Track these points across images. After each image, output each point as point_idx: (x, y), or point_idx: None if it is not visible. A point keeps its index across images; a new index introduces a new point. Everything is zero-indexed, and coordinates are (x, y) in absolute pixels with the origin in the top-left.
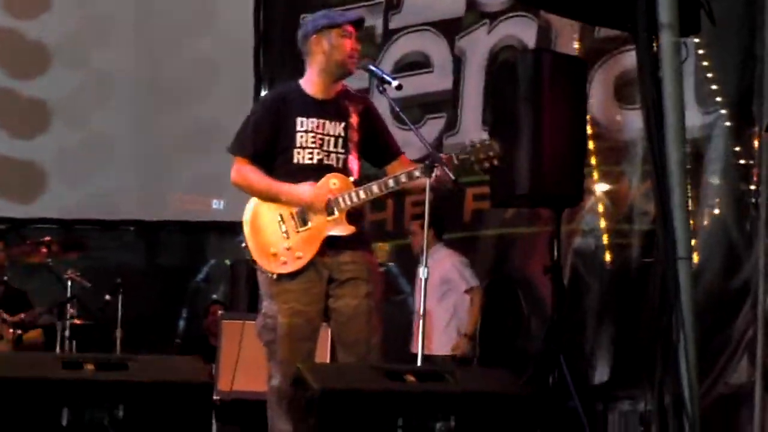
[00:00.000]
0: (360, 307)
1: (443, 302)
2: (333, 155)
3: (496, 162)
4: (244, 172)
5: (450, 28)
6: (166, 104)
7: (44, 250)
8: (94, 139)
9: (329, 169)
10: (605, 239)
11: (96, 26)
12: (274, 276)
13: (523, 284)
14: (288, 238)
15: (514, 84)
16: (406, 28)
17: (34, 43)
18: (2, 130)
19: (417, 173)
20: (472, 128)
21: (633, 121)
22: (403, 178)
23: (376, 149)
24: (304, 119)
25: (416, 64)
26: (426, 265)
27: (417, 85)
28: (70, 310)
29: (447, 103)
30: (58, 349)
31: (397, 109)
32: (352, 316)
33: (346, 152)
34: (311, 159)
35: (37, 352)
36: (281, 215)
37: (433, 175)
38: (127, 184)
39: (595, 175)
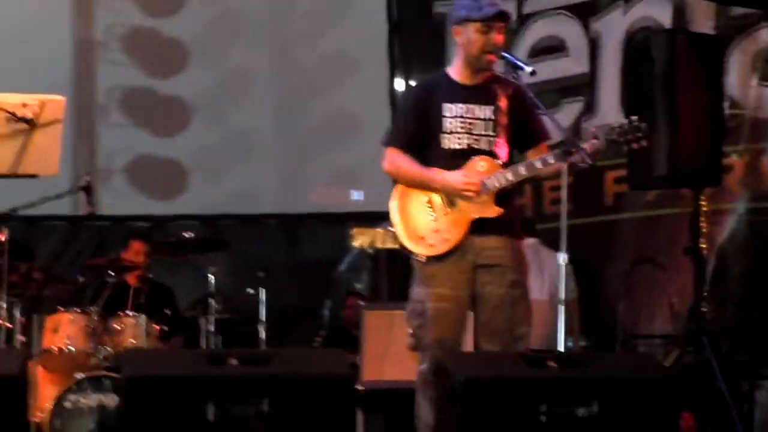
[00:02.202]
0: (506, 296)
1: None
2: (483, 139)
3: (644, 142)
4: (396, 160)
5: (584, 11)
6: (302, 97)
7: (187, 246)
8: (234, 135)
9: (479, 153)
10: (748, 217)
11: (230, 22)
12: (423, 259)
13: (667, 266)
14: (436, 220)
15: (649, 65)
16: (539, 12)
17: (170, 41)
18: (143, 129)
19: (560, 154)
20: (611, 111)
21: None
22: (551, 159)
23: (522, 133)
24: (452, 105)
25: (551, 48)
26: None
27: (553, 69)
28: (214, 305)
29: (584, 86)
30: (203, 345)
31: (532, 95)
32: (498, 305)
33: (496, 135)
34: (460, 144)
35: (183, 349)
36: (429, 198)
37: (573, 158)
38: (267, 178)
39: (736, 153)
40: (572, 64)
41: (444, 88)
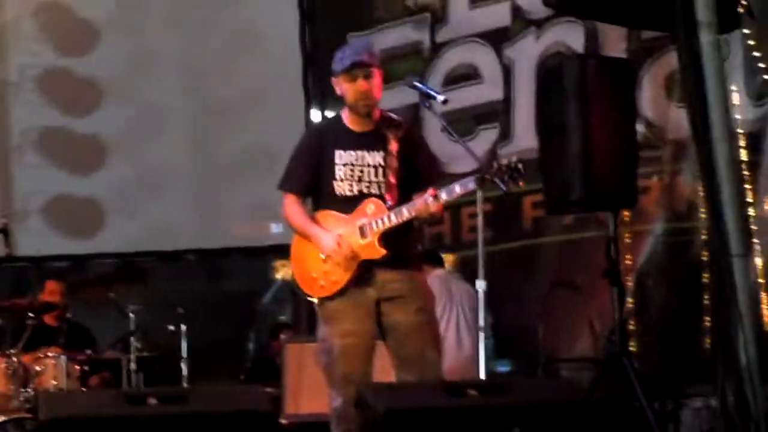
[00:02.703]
0: (412, 323)
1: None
2: (374, 184)
3: (521, 183)
4: (289, 209)
5: (497, 38)
6: (218, 132)
7: (105, 284)
8: (150, 172)
9: (370, 197)
10: (665, 238)
11: (144, 60)
12: (316, 300)
13: (587, 289)
14: (325, 262)
15: (561, 90)
16: (453, 40)
17: (84, 80)
18: (59, 168)
19: (476, 180)
20: (526, 136)
21: (686, 119)
22: (430, 200)
23: (409, 176)
24: (343, 152)
25: (466, 76)
26: (483, 278)
27: (467, 97)
28: (135, 344)
29: (499, 113)
30: (124, 383)
31: (444, 124)
32: (405, 332)
33: (386, 180)
34: (351, 191)
35: (102, 389)
36: None
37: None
38: (185, 213)
39: (655, 174)
40: (487, 91)
41: (336, 135)
